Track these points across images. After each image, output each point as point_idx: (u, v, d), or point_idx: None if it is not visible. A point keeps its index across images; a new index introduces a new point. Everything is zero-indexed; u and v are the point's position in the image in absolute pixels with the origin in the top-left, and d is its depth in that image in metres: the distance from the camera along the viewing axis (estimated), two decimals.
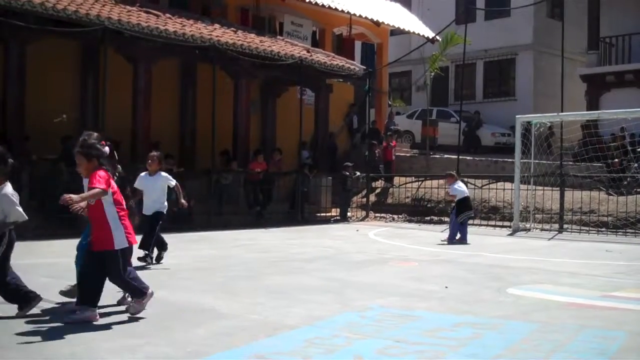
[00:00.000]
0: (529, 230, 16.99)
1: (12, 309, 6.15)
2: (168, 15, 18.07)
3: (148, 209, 9.80)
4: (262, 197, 18.90)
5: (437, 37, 25.26)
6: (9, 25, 13.91)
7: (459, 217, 14.22)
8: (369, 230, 16.84)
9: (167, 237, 13.43)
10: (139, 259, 9.47)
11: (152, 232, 9.72)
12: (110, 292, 7.28)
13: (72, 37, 15.60)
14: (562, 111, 18.39)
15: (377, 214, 21.05)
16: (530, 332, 5.90)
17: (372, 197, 21.82)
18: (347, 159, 22.41)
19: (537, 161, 17.49)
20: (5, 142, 14.81)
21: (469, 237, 14.21)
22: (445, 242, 14.12)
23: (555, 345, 5.46)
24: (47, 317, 6.09)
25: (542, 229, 17.04)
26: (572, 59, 25.93)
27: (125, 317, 6.14)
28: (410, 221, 19.90)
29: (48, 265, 9.22)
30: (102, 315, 6.13)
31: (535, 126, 17.43)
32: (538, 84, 29.31)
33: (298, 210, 19.41)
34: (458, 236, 14.20)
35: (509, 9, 29.29)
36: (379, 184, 22.67)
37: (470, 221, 15.54)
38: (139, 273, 6.69)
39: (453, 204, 14.78)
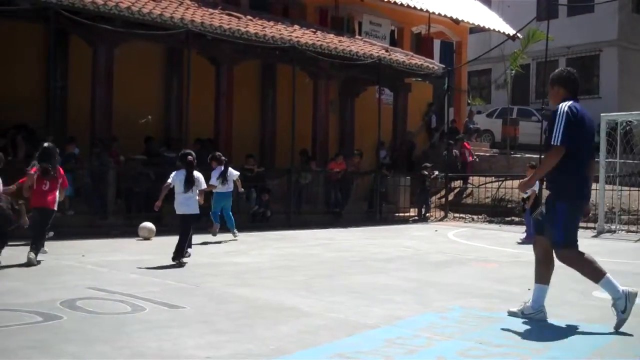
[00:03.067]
0: (615, 232, 16.52)
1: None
2: (249, 17, 18.36)
3: None
4: (341, 197, 18.99)
5: (518, 35, 24.83)
6: (98, 29, 14.43)
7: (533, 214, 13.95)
8: (448, 231, 16.70)
9: (247, 236, 13.75)
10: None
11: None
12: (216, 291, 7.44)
13: (156, 40, 16.07)
14: None
15: (456, 215, 20.84)
16: (617, 336, 5.76)
17: (451, 197, 21.62)
18: (426, 158, 22.25)
19: (622, 160, 17.00)
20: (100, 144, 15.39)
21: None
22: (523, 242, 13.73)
23: None
24: (135, 313, 6.28)
25: (628, 231, 16.54)
26: None
27: (209, 314, 6.30)
28: (490, 222, 19.62)
29: (134, 262, 9.51)
30: (183, 314, 6.33)
31: (620, 125, 16.95)
32: (623, 81, 28.44)
33: (376, 210, 19.40)
34: (524, 235, 13.86)
35: (592, 5, 28.53)
36: (458, 184, 22.45)
37: None
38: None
39: (525, 201, 14.28)
